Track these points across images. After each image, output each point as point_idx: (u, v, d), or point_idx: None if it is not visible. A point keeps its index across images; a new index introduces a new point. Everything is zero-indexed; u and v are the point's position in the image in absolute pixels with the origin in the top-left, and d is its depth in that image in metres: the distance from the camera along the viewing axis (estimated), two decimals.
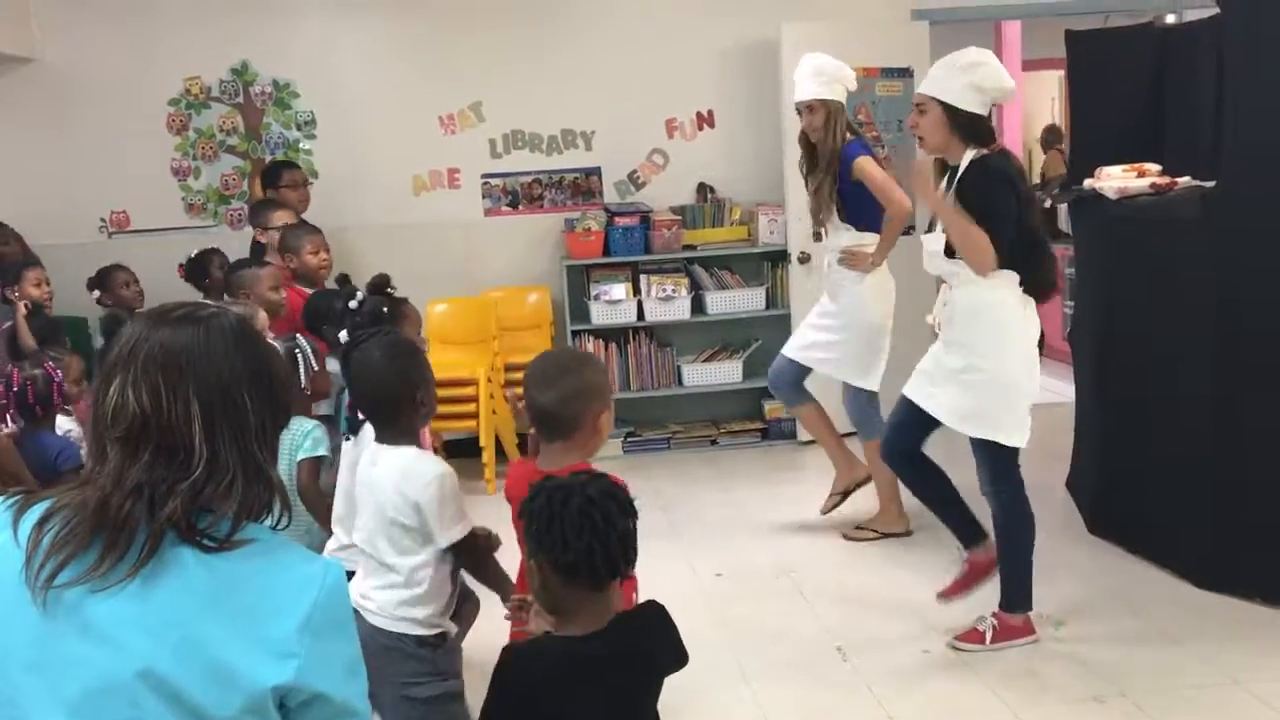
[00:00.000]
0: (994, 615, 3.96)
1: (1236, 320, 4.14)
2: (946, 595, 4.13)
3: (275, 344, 3.44)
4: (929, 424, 3.99)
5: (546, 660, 2.03)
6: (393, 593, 2.63)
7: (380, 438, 2.71)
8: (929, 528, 4.90)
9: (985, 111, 3.86)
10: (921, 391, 3.97)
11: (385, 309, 3.55)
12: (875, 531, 5.09)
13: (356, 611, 2.56)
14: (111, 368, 1.40)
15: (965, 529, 4.08)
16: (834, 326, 5.06)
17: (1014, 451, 3.89)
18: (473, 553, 2.68)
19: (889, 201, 4.84)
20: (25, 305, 5.04)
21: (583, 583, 2.00)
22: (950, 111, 3.83)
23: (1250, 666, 3.69)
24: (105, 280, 5.55)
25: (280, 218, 5.31)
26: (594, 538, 1.95)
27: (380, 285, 3.55)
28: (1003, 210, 3.74)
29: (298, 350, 3.49)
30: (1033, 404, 3.91)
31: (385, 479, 2.62)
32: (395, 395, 2.68)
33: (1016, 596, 3.96)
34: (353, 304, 3.34)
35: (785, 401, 5.44)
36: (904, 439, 4.07)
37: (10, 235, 5.93)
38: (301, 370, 3.46)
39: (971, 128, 3.84)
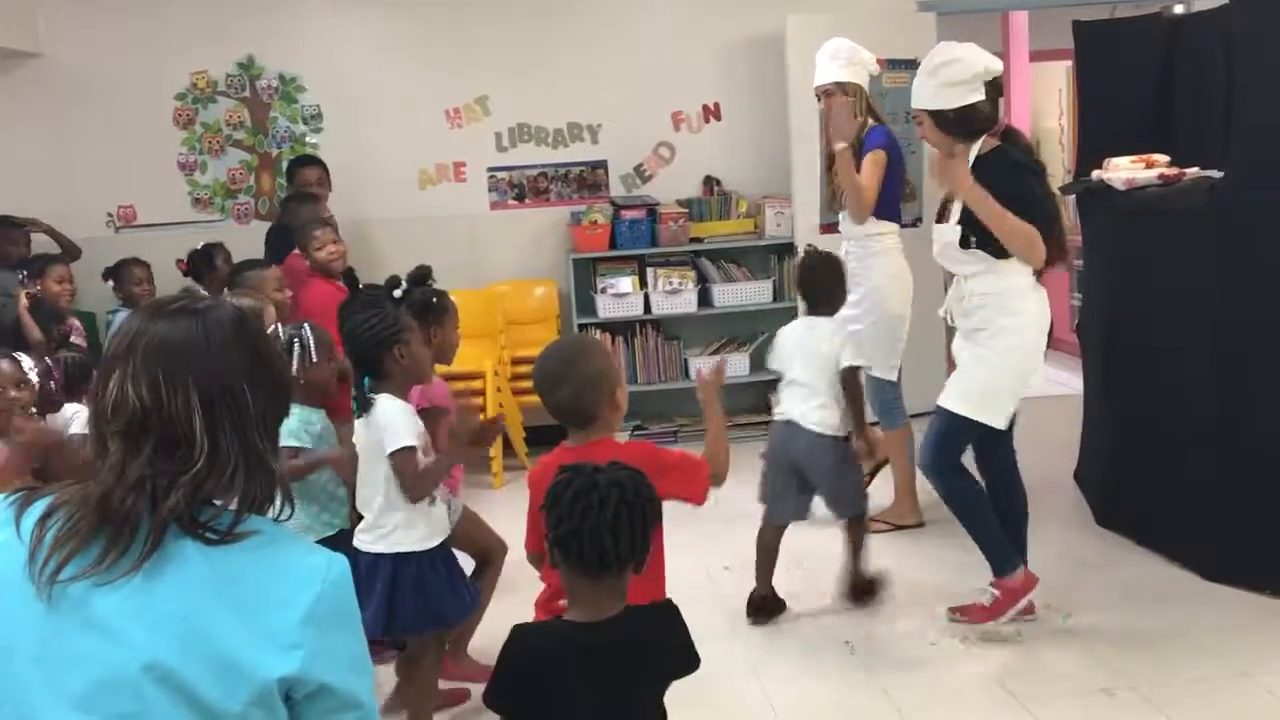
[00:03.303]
0: (992, 585, 4.00)
1: (1243, 312, 4.12)
2: (957, 613, 4.10)
3: (279, 329, 3.44)
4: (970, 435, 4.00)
5: (549, 641, 2.08)
6: (822, 413, 4.11)
7: None
8: (942, 521, 4.89)
9: (974, 99, 3.83)
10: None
11: (435, 300, 3.55)
12: (889, 524, 5.08)
13: (797, 424, 4.05)
14: (110, 361, 1.40)
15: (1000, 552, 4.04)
16: (855, 317, 5.05)
17: (971, 434, 3.95)
18: None
19: (863, 192, 4.81)
20: (27, 295, 5.06)
21: (575, 564, 2.03)
22: (935, 116, 3.89)
23: (1260, 659, 3.68)
24: (120, 272, 5.56)
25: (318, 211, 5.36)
26: (584, 519, 1.99)
27: (423, 277, 3.53)
28: (1025, 195, 3.75)
29: (296, 339, 3.48)
30: (1024, 396, 3.96)
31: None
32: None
33: (1001, 559, 3.99)
34: (396, 293, 3.33)
35: (885, 423, 5.37)
36: (944, 454, 4.04)
37: (22, 237, 5.96)
38: (295, 359, 3.45)
39: (962, 123, 3.87)
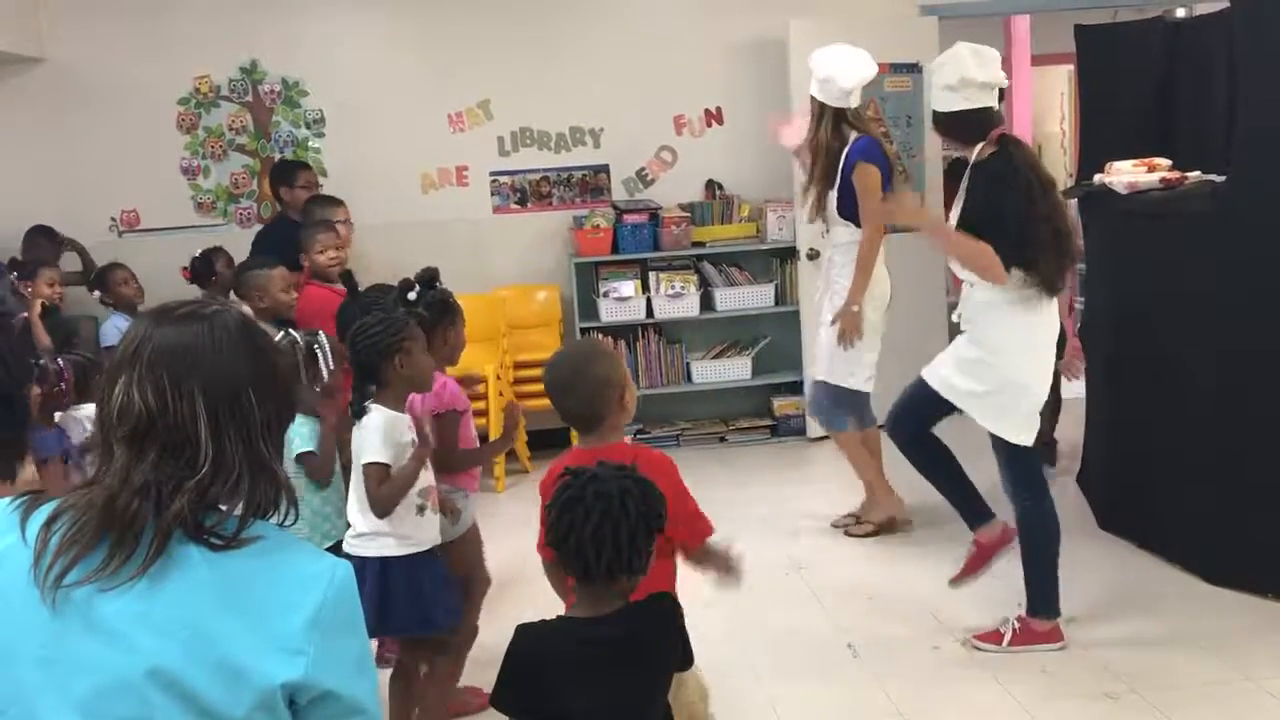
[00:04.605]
0: (1018, 619, 3.94)
1: (1245, 314, 4.12)
2: (958, 579, 4.13)
3: (295, 336, 3.44)
4: (940, 408, 3.98)
5: (551, 639, 2.11)
6: None
7: None
8: (937, 523, 4.89)
9: (963, 106, 3.83)
10: (936, 373, 3.98)
11: (449, 300, 3.54)
12: (872, 524, 5.10)
13: None
14: (116, 367, 1.40)
15: (971, 508, 4.08)
16: (824, 323, 5.08)
17: (1033, 454, 3.89)
18: None
19: (864, 225, 4.86)
20: (41, 304, 5.08)
21: (566, 568, 2.08)
22: (935, 116, 3.92)
23: (1262, 662, 3.68)
24: (104, 280, 5.58)
25: (342, 213, 5.37)
26: (570, 530, 2.03)
27: (432, 278, 3.50)
28: (997, 211, 3.71)
29: (317, 345, 3.48)
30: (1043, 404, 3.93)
31: None
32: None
33: (1040, 601, 3.92)
34: (411, 295, 3.31)
35: (825, 425, 5.34)
36: (913, 419, 4.07)
37: (54, 251, 6.00)
38: (322, 364, 3.45)
39: (956, 126, 3.87)
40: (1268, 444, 4.12)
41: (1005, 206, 3.70)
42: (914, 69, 6.59)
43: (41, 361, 3.87)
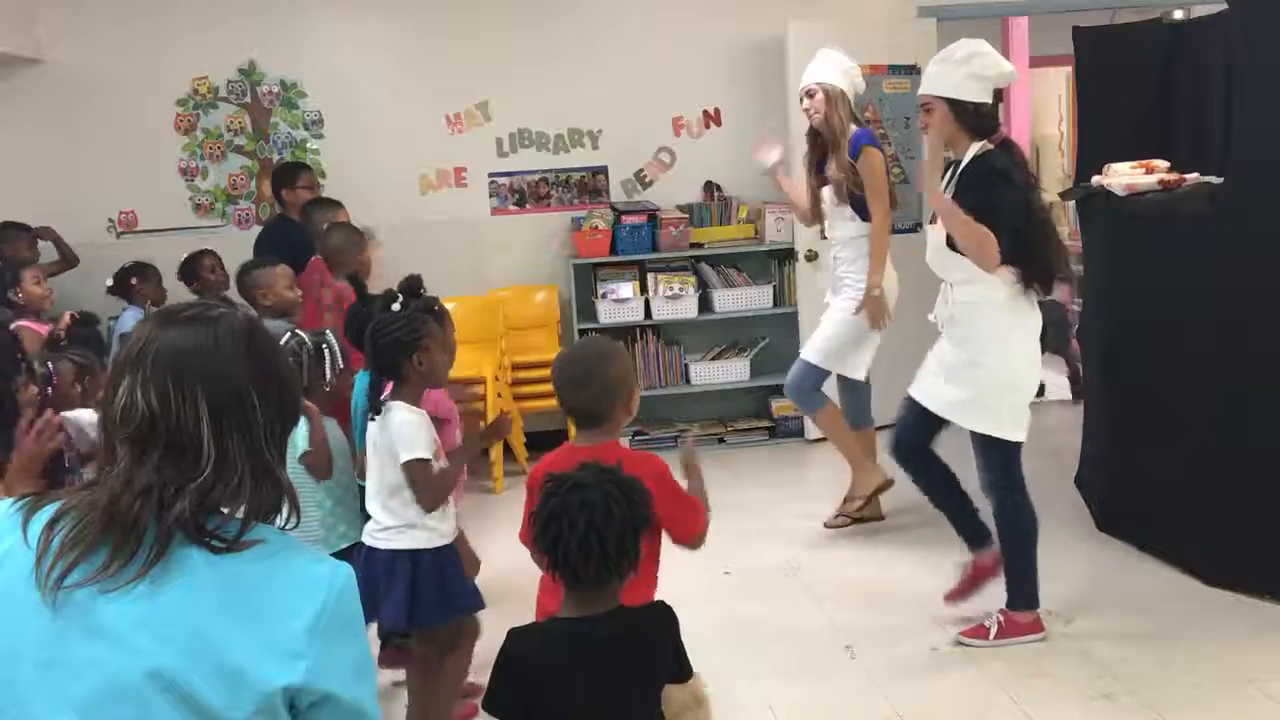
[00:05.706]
0: (1000, 613, 3.96)
1: (1244, 315, 4.13)
2: (952, 597, 4.13)
3: (303, 335, 3.45)
4: (935, 422, 3.99)
5: (543, 639, 2.12)
6: None
7: None
8: (935, 523, 4.89)
9: (989, 99, 3.85)
10: (922, 388, 3.99)
11: (436, 308, 3.55)
12: (862, 498, 5.14)
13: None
14: (121, 368, 1.40)
15: (971, 530, 4.09)
16: (833, 320, 5.08)
17: (1014, 448, 3.89)
18: None
19: (874, 208, 4.89)
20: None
21: (555, 573, 2.09)
22: (954, 106, 3.85)
23: (1261, 665, 3.68)
24: (145, 275, 5.62)
25: (342, 215, 5.39)
26: (556, 540, 2.05)
27: (414, 287, 3.52)
28: (1000, 203, 3.73)
29: (325, 345, 3.48)
30: (1032, 400, 3.94)
31: None
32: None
33: (1021, 594, 3.96)
34: (395, 306, 3.33)
35: (804, 406, 5.33)
36: (911, 437, 4.07)
37: (28, 242, 5.98)
38: (328, 365, 3.46)
39: (976, 119, 3.85)
40: (1267, 445, 4.13)
41: (1005, 200, 3.72)
42: (912, 70, 6.59)
43: (34, 363, 3.87)
